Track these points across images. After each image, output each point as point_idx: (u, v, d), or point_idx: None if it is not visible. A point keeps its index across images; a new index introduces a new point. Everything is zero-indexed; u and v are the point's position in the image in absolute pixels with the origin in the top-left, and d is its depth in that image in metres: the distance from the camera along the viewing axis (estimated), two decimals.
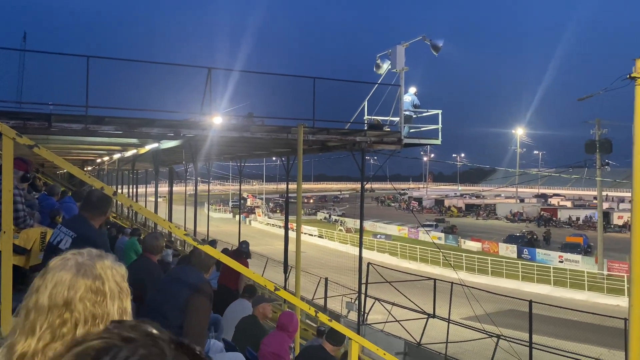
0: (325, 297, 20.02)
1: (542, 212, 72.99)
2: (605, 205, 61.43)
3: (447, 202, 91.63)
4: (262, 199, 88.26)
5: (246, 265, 7.93)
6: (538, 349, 14.25)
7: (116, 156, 24.04)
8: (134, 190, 32.75)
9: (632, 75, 7.28)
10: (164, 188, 34.08)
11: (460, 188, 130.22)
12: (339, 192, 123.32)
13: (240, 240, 11.10)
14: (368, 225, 54.91)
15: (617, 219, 61.46)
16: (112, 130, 11.73)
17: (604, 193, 42.20)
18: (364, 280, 16.26)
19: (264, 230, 62.69)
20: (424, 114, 14.84)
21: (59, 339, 1.30)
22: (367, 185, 20.48)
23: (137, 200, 30.58)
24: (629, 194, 8.32)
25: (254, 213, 76.26)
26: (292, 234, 17.75)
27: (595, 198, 51.85)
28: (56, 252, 2.40)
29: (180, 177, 37.52)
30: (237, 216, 58.54)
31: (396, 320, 16.94)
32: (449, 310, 16.72)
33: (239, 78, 13.74)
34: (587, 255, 38.99)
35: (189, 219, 25.04)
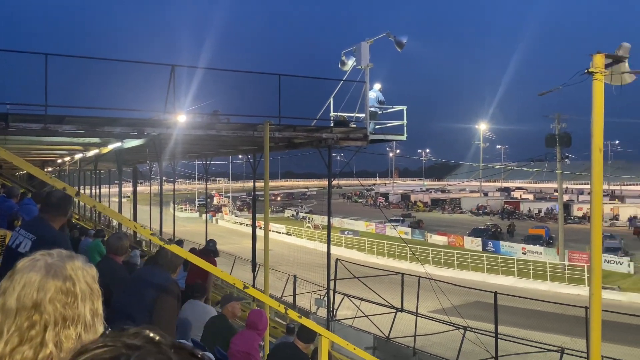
0: (294, 295, 20.01)
1: (506, 206, 74.63)
2: (566, 198, 63.18)
3: (413, 197, 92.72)
4: (229, 197, 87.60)
5: (214, 264, 7.84)
6: (503, 339, 14.57)
7: (78, 156, 23.48)
8: (97, 190, 32.04)
9: (590, 70, 7.48)
10: (128, 188, 33.48)
11: (425, 183, 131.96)
12: (306, 189, 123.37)
13: (208, 239, 10.99)
14: (336, 221, 55.13)
15: (577, 211, 63.27)
16: (73, 129, 11.44)
17: (564, 185, 43.41)
18: (332, 277, 16.33)
19: (231, 228, 62.23)
20: (389, 110, 14.97)
21: (27, 342, 1.27)
22: (334, 182, 20.54)
23: (100, 201, 29.93)
24: (588, 186, 8.58)
25: (221, 212, 75.62)
26: (259, 232, 17.70)
27: (556, 191, 53.28)
28: (16, 255, 2.33)
29: (144, 176, 36.93)
30: (204, 215, 58.04)
31: (365, 316, 17.06)
32: (417, 304, 16.93)
33: (203, 75, 13.58)
34: (549, 247, 40.03)
35: (155, 219, 24.67)
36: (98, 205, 5.10)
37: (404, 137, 14.79)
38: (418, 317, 16.45)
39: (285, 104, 12.61)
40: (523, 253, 39.34)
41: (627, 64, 7.40)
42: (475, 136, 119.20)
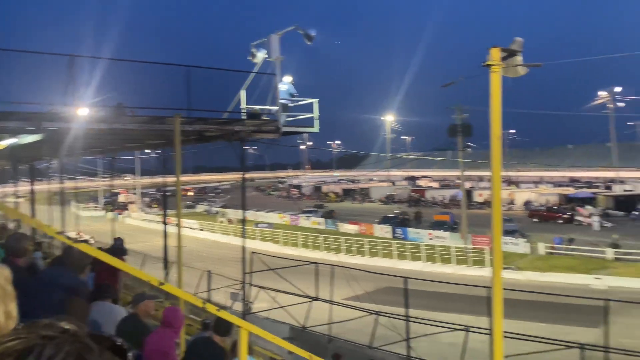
0: (209, 290, 19.71)
1: (412, 194, 77.70)
2: (468, 185, 66.73)
3: (325, 188, 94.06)
4: (136, 193, 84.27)
5: None
6: (414, 321, 15.20)
7: None
8: None
9: (487, 63, 7.95)
10: (25, 187, 31.18)
11: (337, 174, 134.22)
12: (218, 184, 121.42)
13: (114, 237, 10.56)
14: (250, 214, 54.73)
15: (478, 197, 67.10)
16: None
17: (466, 173, 45.82)
18: (248, 270, 16.24)
19: (140, 226, 59.95)
20: (301, 103, 15.06)
21: None
22: (248, 175, 20.37)
23: None
24: (488, 173, 9.11)
25: (128, 209, 72.60)
26: (171, 229, 17.21)
27: (458, 178, 56.12)
28: None
29: (42, 174, 34.62)
30: (110, 213, 55.34)
31: (281, 307, 17.15)
32: (331, 292, 17.26)
33: (107, 67, 12.92)
34: (454, 232, 42.19)
35: (56, 219, 23.25)
36: None
37: (315, 129, 14.95)
38: (333, 305, 16.78)
39: (196, 97, 12.33)
40: (430, 238, 41.20)
41: (520, 57, 7.94)
42: (383, 127, 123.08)
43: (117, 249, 9.59)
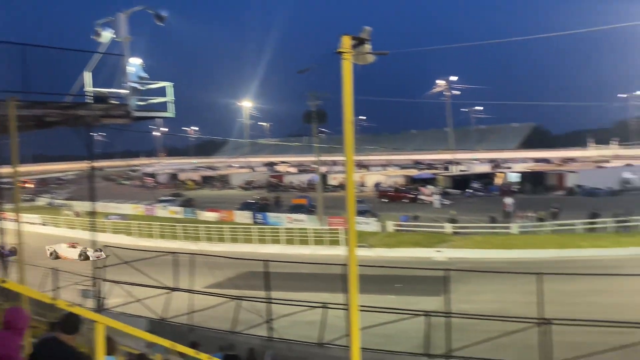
0: (56, 289, 18.27)
1: (271, 179, 78.59)
2: (323, 169, 69.11)
3: (182, 176, 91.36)
4: None
5: None
6: (275, 303, 15.52)
7: None
8: None
9: (339, 50, 8.29)
10: None
11: (195, 161, 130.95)
12: (62, 174, 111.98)
13: None
14: (100, 206, 51.34)
15: (332, 180, 69.79)
16: None
17: (321, 158, 47.39)
18: (100, 265, 15.31)
19: None
20: (154, 86, 14.40)
21: None
22: (96, 164, 19.10)
23: None
24: (342, 158, 9.53)
25: None
26: (9, 225, 15.58)
27: (314, 163, 57.81)
28: None
29: None
30: None
31: (137, 300, 16.47)
32: (191, 281, 16.97)
33: None
34: (311, 214, 43.50)
35: None
36: None
37: (170, 114, 14.41)
38: (194, 294, 16.52)
39: (34, 79, 11.20)
40: (289, 222, 42.08)
41: (369, 46, 8.39)
42: (241, 113, 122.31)
43: None
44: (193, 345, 14.12)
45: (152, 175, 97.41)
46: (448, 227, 36.54)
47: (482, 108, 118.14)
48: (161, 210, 52.06)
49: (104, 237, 35.24)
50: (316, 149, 43.12)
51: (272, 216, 44.85)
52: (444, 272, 14.36)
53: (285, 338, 14.51)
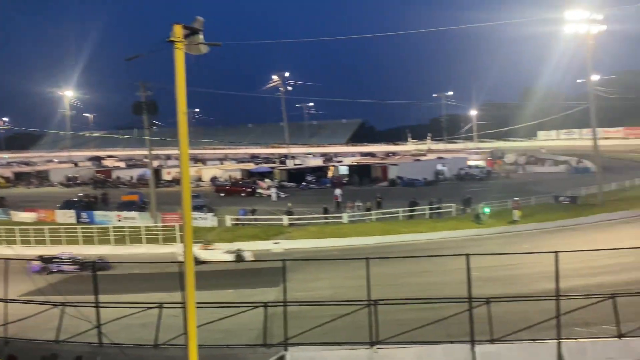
0: None
1: (97, 175, 73.26)
2: (156, 163, 66.26)
3: None
4: None
5: None
6: (106, 307, 14.53)
7: None
8: None
9: (171, 39, 7.98)
10: None
11: (6, 156, 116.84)
12: None
13: None
14: None
15: (166, 175, 67.27)
16: None
17: (154, 152, 45.36)
18: None
19: None
20: None
21: None
22: None
23: None
24: (176, 151, 9.21)
25: None
26: None
27: (146, 157, 55.15)
28: None
29: None
30: None
31: None
32: (5, 289, 15.16)
33: None
34: (143, 211, 41.45)
35: None
36: None
37: None
38: (8, 303, 14.78)
39: None
40: (118, 220, 39.61)
41: (201, 36, 8.19)
42: (62, 104, 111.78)
43: None
44: (10, 359, 12.70)
45: None
46: (285, 220, 37.42)
47: (313, 104, 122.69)
48: None
49: None
50: (147, 142, 41.11)
51: (99, 214, 41.79)
52: (281, 263, 14.65)
53: (117, 342, 13.65)
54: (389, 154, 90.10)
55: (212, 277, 22.69)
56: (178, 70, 8.22)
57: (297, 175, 64.71)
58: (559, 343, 12.54)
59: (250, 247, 31.20)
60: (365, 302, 13.37)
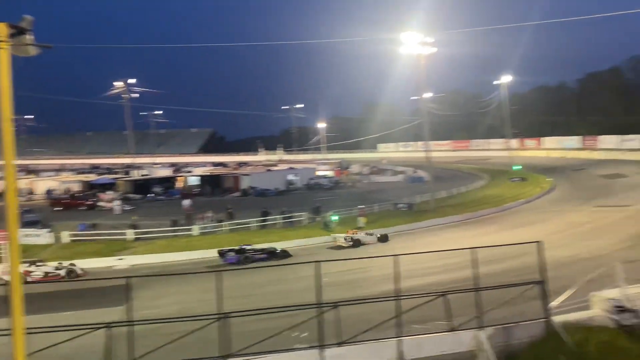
0: None
1: None
2: None
3: None
4: None
5: None
6: None
7: None
8: None
9: None
10: None
11: None
12: None
13: None
14: None
15: None
16: None
17: None
18: None
19: None
20: None
21: None
22: None
23: None
24: (1, 161, 8.30)
25: None
26: None
27: None
28: None
29: None
30: None
31: None
32: None
33: None
34: None
35: None
36: None
37: None
38: None
39: None
40: None
41: (31, 36, 7.50)
42: None
43: None
44: None
45: None
46: (130, 234, 35.48)
47: (161, 112, 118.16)
48: None
49: None
50: None
51: None
52: (125, 280, 13.81)
53: None
54: (241, 164, 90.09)
55: (44, 299, 20.64)
56: (2, 73, 7.43)
57: (143, 186, 61.93)
58: (399, 340, 13.44)
59: (91, 265, 29.08)
60: (217, 316, 13.14)
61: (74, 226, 37.10)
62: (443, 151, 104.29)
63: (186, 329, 13.37)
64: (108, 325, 13.27)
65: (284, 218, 39.36)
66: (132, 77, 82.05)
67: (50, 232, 35.61)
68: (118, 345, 13.13)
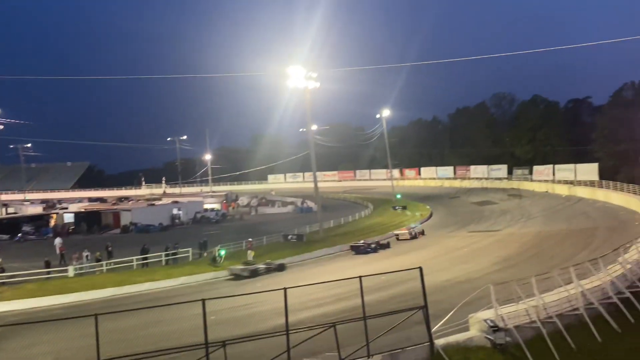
0: None
1: None
2: None
3: None
4: None
5: None
6: None
7: None
8: None
9: None
10: None
11: None
12: None
13: None
14: None
15: None
16: None
17: None
18: None
19: None
20: None
21: None
22: None
23: None
24: None
25: None
26: None
27: None
28: None
29: None
30: None
31: None
32: None
33: None
34: None
35: None
36: None
37: None
38: None
39: None
40: None
41: None
42: None
43: None
44: None
45: None
46: None
47: (30, 145, 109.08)
48: None
49: None
50: None
51: None
52: None
53: None
54: (121, 199, 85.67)
55: None
56: None
57: (10, 225, 56.67)
58: None
59: None
60: None
61: None
62: (330, 181, 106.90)
63: None
64: None
65: (168, 255, 37.78)
66: None
67: None
68: None
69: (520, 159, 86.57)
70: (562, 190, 64.98)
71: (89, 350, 12.70)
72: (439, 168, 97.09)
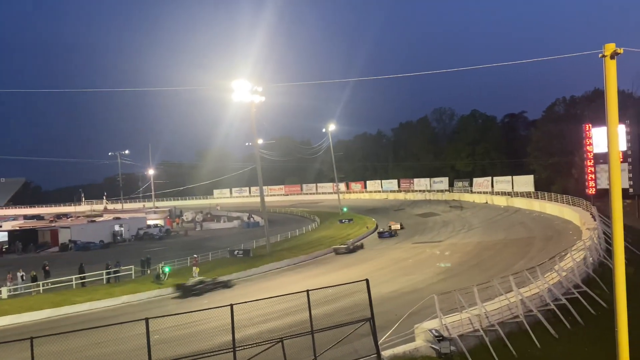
0: None
1: None
2: None
3: None
4: None
5: None
6: None
7: None
8: None
9: None
10: None
11: None
12: None
13: None
14: None
15: None
16: None
17: None
18: None
19: None
20: None
21: None
22: None
23: None
24: None
25: None
26: None
27: None
28: None
29: None
30: None
31: None
32: None
33: None
34: None
35: None
36: None
37: None
38: None
39: None
40: None
41: None
42: None
43: None
44: None
45: None
46: None
47: None
48: None
49: None
50: None
51: None
52: None
53: None
54: (60, 216, 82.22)
55: None
56: None
57: None
58: None
59: None
60: None
61: None
62: (277, 195, 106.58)
63: None
64: None
65: (109, 273, 36.50)
66: None
67: None
68: None
69: (461, 172, 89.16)
70: (501, 201, 67.35)
71: None
72: (383, 181, 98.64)
